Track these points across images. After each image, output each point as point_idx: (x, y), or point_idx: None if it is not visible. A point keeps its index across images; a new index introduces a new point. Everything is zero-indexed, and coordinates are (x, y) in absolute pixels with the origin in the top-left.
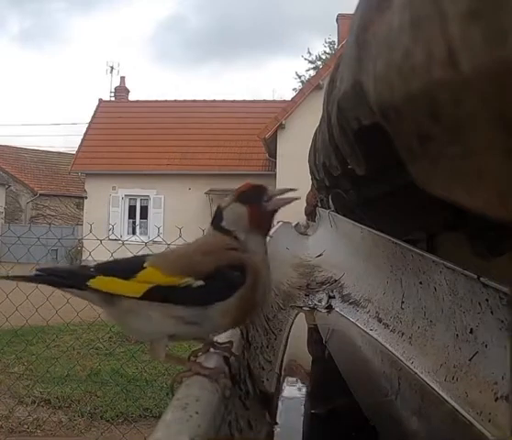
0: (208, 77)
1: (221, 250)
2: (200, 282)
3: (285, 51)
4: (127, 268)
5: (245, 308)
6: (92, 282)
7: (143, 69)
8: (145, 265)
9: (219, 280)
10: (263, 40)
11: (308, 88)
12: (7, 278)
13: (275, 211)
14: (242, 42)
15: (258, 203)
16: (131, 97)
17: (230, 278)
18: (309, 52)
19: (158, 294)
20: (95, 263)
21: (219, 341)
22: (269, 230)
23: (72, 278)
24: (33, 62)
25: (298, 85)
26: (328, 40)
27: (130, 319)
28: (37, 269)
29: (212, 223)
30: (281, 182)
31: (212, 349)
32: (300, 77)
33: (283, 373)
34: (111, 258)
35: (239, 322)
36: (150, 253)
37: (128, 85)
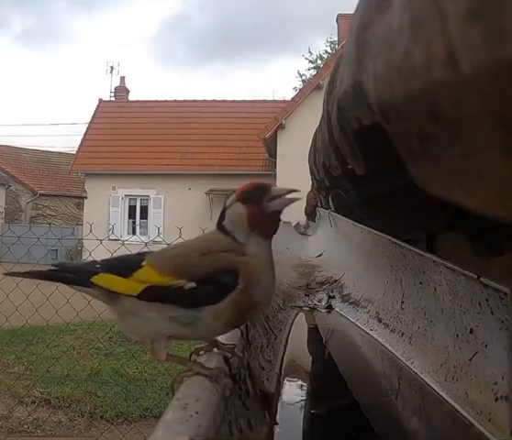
0: (211, 77)
1: (217, 253)
2: (192, 284)
3: (289, 51)
4: (126, 265)
5: (239, 311)
6: (95, 279)
7: (145, 69)
8: (143, 263)
9: (211, 283)
10: (267, 40)
11: (308, 88)
12: (20, 275)
13: (279, 212)
14: (246, 42)
15: (259, 203)
16: (132, 97)
17: (222, 281)
18: (310, 52)
19: (153, 294)
20: (102, 259)
21: (223, 342)
22: (273, 232)
23: (77, 274)
24: (33, 62)
25: (300, 84)
26: (329, 40)
27: (130, 318)
28: (52, 265)
29: (217, 222)
30: (281, 182)
31: (215, 349)
32: (302, 76)
33: (283, 373)
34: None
35: (234, 324)
36: (151, 250)
37: (129, 85)
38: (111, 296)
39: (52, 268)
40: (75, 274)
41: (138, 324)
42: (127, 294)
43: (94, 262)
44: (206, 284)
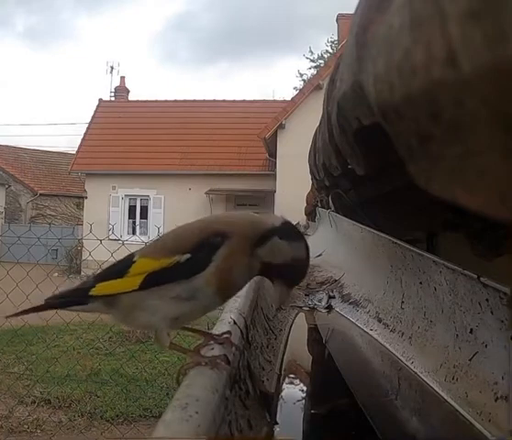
0: (214, 78)
1: (207, 224)
2: (187, 256)
3: (291, 51)
4: (119, 268)
5: (228, 271)
6: (93, 291)
7: (145, 69)
8: (135, 259)
9: (203, 249)
10: (269, 40)
11: (308, 88)
12: (17, 314)
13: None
14: (248, 42)
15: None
16: (132, 97)
17: (211, 243)
18: (311, 51)
19: (153, 280)
20: (93, 275)
21: (218, 333)
22: None
23: (75, 295)
24: (33, 62)
25: (300, 84)
26: (330, 40)
27: (135, 313)
28: (45, 299)
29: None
30: (281, 182)
31: (212, 341)
32: (302, 76)
33: (283, 373)
34: (110, 262)
35: (227, 286)
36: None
37: (129, 85)
38: (112, 301)
39: (48, 301)
40: (73, 296)
41: (144, 315)
42: (128, 291)
43: (86, 281)
44: (200, 251)
